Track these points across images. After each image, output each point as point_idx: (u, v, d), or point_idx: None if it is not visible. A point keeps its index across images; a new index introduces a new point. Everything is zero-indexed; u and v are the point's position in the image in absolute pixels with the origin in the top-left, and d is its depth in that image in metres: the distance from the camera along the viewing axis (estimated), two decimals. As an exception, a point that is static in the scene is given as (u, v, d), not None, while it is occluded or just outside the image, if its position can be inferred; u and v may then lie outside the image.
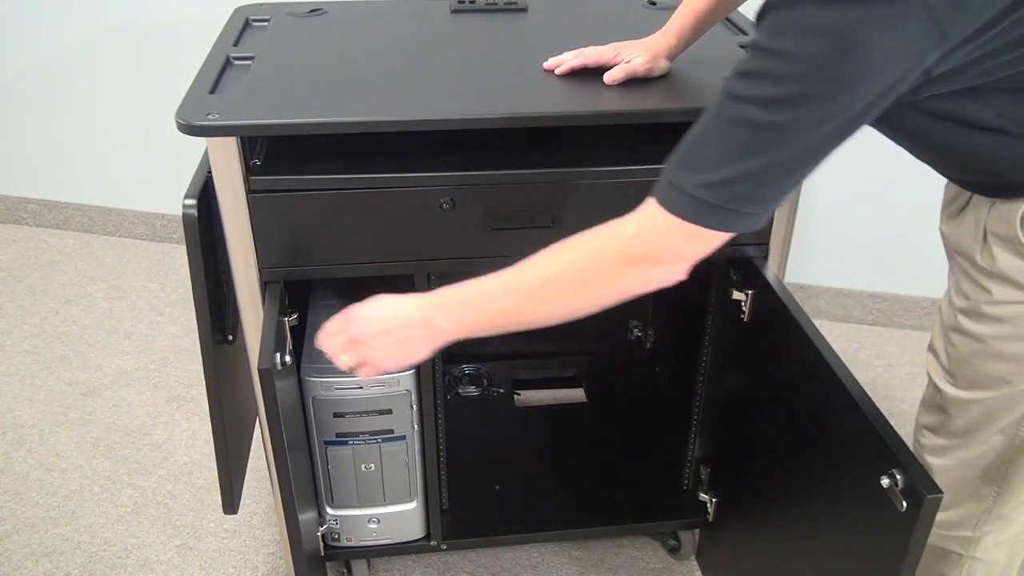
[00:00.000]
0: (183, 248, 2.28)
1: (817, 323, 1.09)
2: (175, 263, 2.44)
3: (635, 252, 0.83)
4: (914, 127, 0.88)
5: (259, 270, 1.11)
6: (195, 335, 2.15)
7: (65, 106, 2.40)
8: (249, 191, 1.06)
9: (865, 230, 2.12)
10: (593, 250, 0.85)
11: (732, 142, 0.78)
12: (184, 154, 2.34)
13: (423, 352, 0.91)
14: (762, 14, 0.78)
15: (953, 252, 1.04)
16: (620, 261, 0.83)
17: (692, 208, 0.80)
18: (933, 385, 1.11)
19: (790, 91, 0.76)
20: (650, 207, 0.82)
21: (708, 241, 0.82)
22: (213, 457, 1.78)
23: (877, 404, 0.94)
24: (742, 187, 0.79)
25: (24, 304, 2.25)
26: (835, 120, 0.77)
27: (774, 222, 1.21)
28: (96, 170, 2.49)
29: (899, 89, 0.77)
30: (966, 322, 1.03)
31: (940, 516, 1.17)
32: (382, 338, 0.91)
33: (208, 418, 1.89)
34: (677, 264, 0.83)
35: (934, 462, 1.14)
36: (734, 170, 0.78)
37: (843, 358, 1.01)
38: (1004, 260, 0.94)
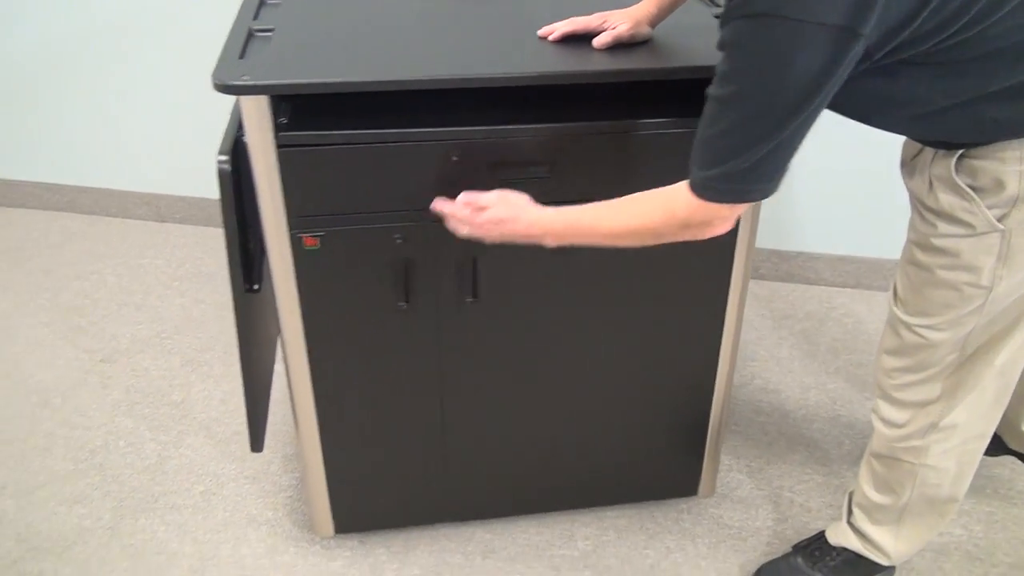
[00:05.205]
0: (186, 228, 2.42)
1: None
2: (179, 241, 2.54)
3: (692, 222, 1.07)
4: (866, 90, 1.02)
5: (287, 219, 1.23)
6: (204, 305, 2.27)
7: (68, 91, 2.49)
8: (278, 146, 1.18)
9: (834, 197, 2.26)
10: (661, 218, 1.09)
11: (720, 144, 1.00)
12: (185, 136, 2.46)
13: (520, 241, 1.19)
14: (720, 22, 0.98)
15: (912, 196, 1.20)
16: (680, 227, 1.09)
17: (714, 194, 1.03)
18: (891, 312, 1.26)
19: (739, 89, 0.96)
20: (689, 194, 1.05)
21: (738, 208, 1.06)
22: (229, 414, 1.91)
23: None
24: (743, 174, 1.00)
25: (36, 281, 2.35)
26: (791, 111, 0.95)
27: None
28: (100, 153, 2.58)
29: (839, 77, 0.94)
30: (918, 253, 1.18)
31: (894, 432, 1.33)
32: (495, 228, 1.18)
33: (222, 379, 2.02)
34: (724, 224, 1.08)
35: (887, 382, 1.29)
36: (731, 165, 1.00)
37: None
38: (944, 199, 1.10)
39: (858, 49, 0.92)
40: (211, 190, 2.73)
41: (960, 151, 1.06)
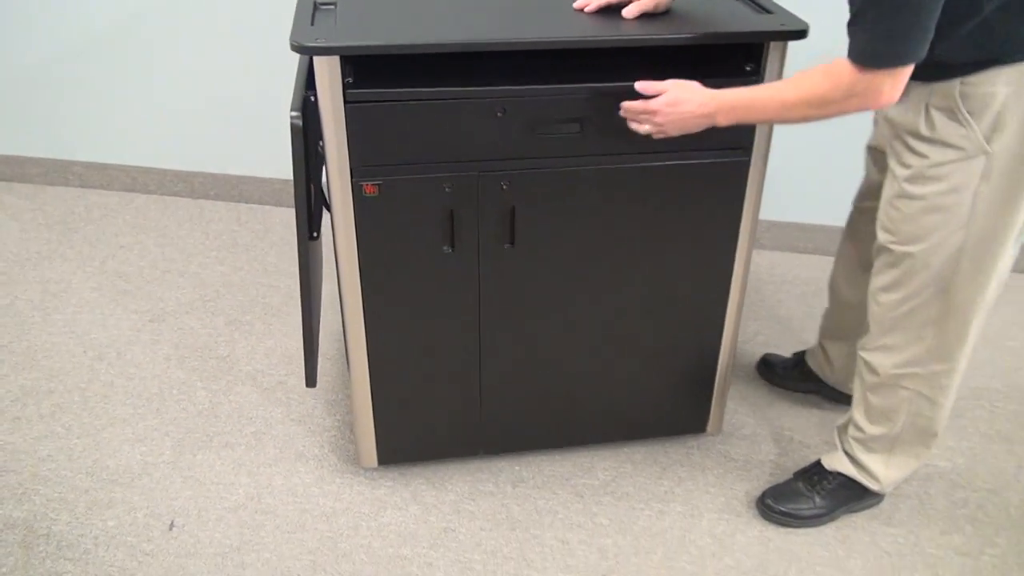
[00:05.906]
0: (220, 203, 2.55)
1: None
2: (213, 216, 2.69)
3: (856, 90, 1.19)
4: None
5: (350, 168, 1.39)
6: (243, 272, 2.43)
7: (108, 74, 2.63)
8: (345, 102, 1.34)
9: (832, 171, 2.43)
10: (828, 86, 1.21)
11: (872, 10, 1.12)
12: (220, 116, 2.62)
13: (697, 130, 1.33)
14: None
15: (898, 132, 1.34)
16: (846, 94, 1.20)
17: (873, 59, 1.16)
18: (884, 249, 1.41)
19: None
20: (849, 64, 1.17)
21: (902, 73, 1.17)
22: (273, 366, 2.07)
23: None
24: (896, 35, 1.13)
25: (83, 251, 2.50)
26: None
27: (751, 164, 1.51)
28: (138, 133, 2.73)
29: None
30: (908, 186, 1.33)
31: (894, 357, 1.48)
32: (673, 111, 1.31)
33: (264, 336, 2.19)
34: (889, 93, 1.18)
35: (887, 315, 1.45)
36: (882, 29, 1.13)
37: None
38: (942, 125, 1.26)
39: None
40: (243, 168, 2.88)
41: (960, 78, 1.21)
